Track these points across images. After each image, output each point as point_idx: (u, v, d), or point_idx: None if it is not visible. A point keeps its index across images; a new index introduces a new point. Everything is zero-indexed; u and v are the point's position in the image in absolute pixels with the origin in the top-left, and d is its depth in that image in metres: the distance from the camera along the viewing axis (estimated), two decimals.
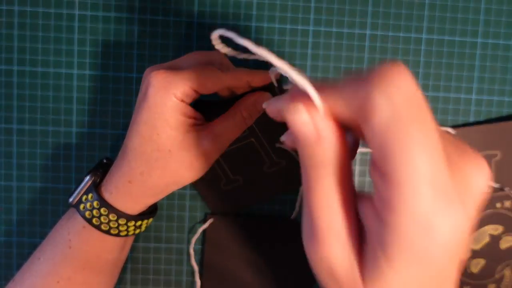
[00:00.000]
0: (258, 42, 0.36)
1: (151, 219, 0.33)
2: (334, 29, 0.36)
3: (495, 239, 0.37)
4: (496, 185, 0.36)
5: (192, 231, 0.38)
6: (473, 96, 0.37)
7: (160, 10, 0.36)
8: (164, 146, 0.28)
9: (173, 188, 0.31)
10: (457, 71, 0.37)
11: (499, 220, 0.36)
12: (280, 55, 0.36)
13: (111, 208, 0.30)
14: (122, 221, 0.30)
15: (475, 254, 0.37)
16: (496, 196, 0.36)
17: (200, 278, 0.37)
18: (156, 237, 0.38)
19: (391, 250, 0.15)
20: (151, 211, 0.33)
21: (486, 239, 0.37)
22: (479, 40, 0.37)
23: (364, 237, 0.17)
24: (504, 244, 0.37)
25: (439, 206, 0.15)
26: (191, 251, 0.37)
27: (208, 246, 0.37)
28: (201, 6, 0.36)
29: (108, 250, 0.32)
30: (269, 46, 0.36)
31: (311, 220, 0.17)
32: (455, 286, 0.17)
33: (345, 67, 0.37)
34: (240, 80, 0.30)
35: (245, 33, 0.36)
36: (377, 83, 0.15)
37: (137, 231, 0.32)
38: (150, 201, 0.31)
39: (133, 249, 0.38)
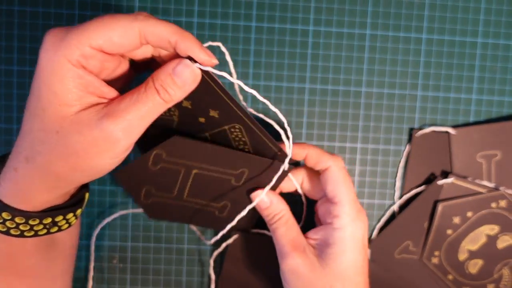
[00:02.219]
0: (258, 42, 0.36)
1: (78, 211, 0.27)
2: (334, 29, 0.36)
3: (492, 239, 0.37)
4: (491, 185, 0.36)
5: (190, 231, 0.38)
6: (473, 96, 0.37)
7: (160, 10, 0.36)
8: (49, 125, 0.22)
9: (84, 178, 0.24)
10: (457, 71, 0.37)
11: (495, 220, 0.36)
12: (280, 55, 0.36)
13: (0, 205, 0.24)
14: (19, 219, 0.24)
15: (472, 254, 0.37)
16: (490, 196, 0.36)
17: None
18: (156, 237, 0.38)
19: (339, 242, 0.29)
20: (74, 202, 0.26)
21: (483, 240, 0.37)
22: (479, 40, 0.37)
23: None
24: (501, 243, 0.37)
25: (357, 216, 0.30)
26: (211, 262, 0.36)
27: (229, 260, 0.36)
28: (201, 6, 0.36)
29: (25, 254, 0.26)
30: (269, 46, 0.36)
31: (280, 248, 0.31)
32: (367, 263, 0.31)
33: (345, 67, 0.37)
34: (161, 35, 0.22)
35: (245, 33, 0.36)
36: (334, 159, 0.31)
37: (55, 229, 0.26)
38: (54, 193, 0.25)
39: (133, 249, 0.38)
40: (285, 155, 0.30)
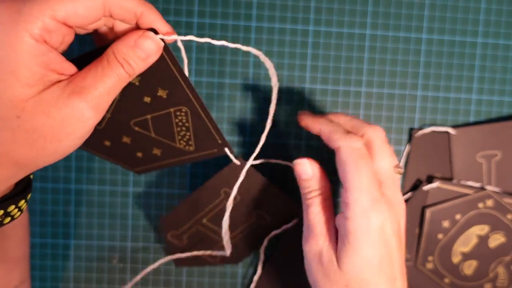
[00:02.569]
0: (258, 42, 0.36)
1: (29, 196, 0.25)
2: (334, 29, 0.36)
3: (483, 239, 0.37)
4: (477, 185, 0.36)
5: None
6: (473, 96, 0.37)
7: (160, 10, 0.36)
8: (8, 111, 0.20)
9: (47, 163, 0.23)
10: (457, 71, 0.37)
11: (484, 220, 0.36)
12: (280, 55, 0.36)
13: None
14: None
15: (466, 256, 0.37)
16: (477, 196, 0.36)
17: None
18: (156, 237, 0.38)
19: (350, 235, 0.25)
20: (23, 188, 0.25)
21: (474, 240, 0.37)
22: (479, 40, 0.37)
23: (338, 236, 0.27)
24: (493, 242, 0.37)
25: (372, 206, 0.25)
26: (265, 241, 0.36)
27: (284, 244, 0.36)
28: (201, 6, 0.36)
29: None
30: (269, 46, 0.36)
31: (308, 227, 0.28)
32: (401, 261, 0.26)
33: (345, 67, 0.37)
34: (127, 7, 0.22)
35: (245, 33, 0.36)
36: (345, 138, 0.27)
37: (7, 219, 0.24)
38: (8, 183, 0.23)
39: (133, 249, 0.38)
40: (231, 150, 0.29)
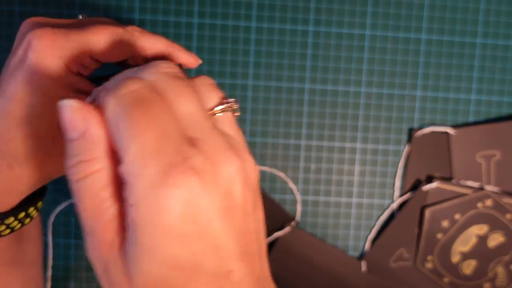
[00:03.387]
0: (258, 42, 0.36)
1: (39, 204, 0.25)
2: (333, 30, 0.36)
3: (482, 239, 0.37)
4: (476, 185, 0.36)
5: None
6: (472, 97, 0.37)
7: (160, 10, 0.36)
8: (43, 132, 0.22)
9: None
10: (456, 72, 0.37)
11: (483, 220, 0.36)
12: (280, 55, 0.36)
13: None
14: None
15: (465, 256, 0.37)
16: (476, 196, 0.36)
17: None
18: None
19: (137, 230, 0.15)
20: (41, 189, 0.25)
21: (473, 240, 0.37)
22: (478, 40, 0.37)
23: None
24: (492, 242, 0.37)
25: (165, 177, 0.15)
26: None
27: (276, 252, 0.36)
28: (201, 6, 0.36)
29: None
30: (269, 46, 0.36)
31: (86, 226, 0.17)
32: (243, 242, 0.17)
33: (345, 67, 0.37)
34: (157, 49, 0.24)
35: (245, 34, 0.36)
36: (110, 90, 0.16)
37: (27, 220, 0.25)
38: (34, 188, 0.23)
39: None
40: None
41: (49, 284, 0.37)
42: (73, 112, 0.16)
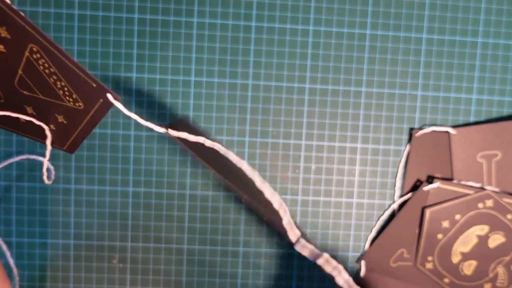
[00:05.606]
0: (258, 42, 0.36)
1: None
2: (334, 29, 0.36)
3: (483, 239, 0.37)
4: (477, 185, 0.36)
5: (190, 231, 0.38)
6: (474, 96, 0.37)
7: (160, 10, 0.36)
8: None
9: None
10: (458, 71, 0.37)
11: (483, 220, 0.36)
12: (280, 55, 0.36)
13: None
14: None
15: (465, 256, 0.37)
16: (477, 196, 0.36)
17: None
18: (156, 237, 0.38)
19: None
20: None
21: (474, 240, 0.37)
22: (480, 40, 0.37)
23: None
24: (493, 242, 0.37)
25: None
26: None
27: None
28: (200, 5, 0.36)
29: None
30: (269, 45, 0.36)
31: None
32: None
33: (345, 67, 0.37)
34: None
35: (245, 33, 0.36)
36: None
37: None
38: None
39: (133, 249, 0.38)
40: (115, 96, 0.24)
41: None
42: None
